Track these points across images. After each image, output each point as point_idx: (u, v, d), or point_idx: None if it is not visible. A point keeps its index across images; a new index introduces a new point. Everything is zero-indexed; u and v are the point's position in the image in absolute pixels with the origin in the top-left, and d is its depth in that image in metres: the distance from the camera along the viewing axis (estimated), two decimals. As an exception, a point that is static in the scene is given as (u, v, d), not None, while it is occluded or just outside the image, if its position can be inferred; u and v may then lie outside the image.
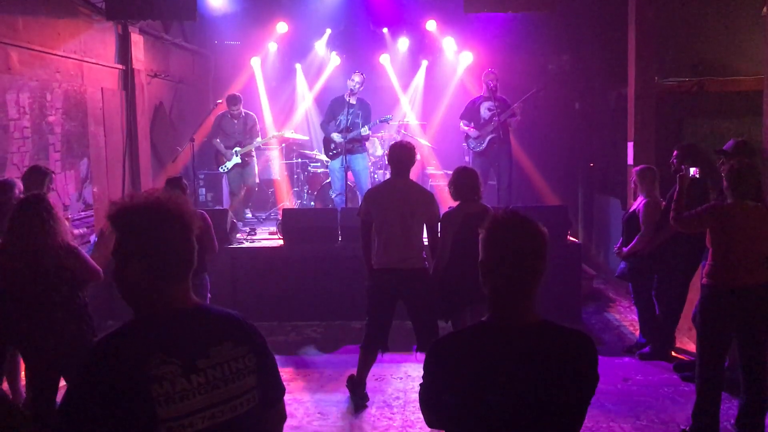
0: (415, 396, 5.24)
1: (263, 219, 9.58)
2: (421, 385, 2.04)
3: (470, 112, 8.68)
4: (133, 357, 1.69)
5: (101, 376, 1.67)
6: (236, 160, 9.05)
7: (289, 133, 10.03)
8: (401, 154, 5.04)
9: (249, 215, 9.52)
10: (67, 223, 5.32)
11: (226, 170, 9.16)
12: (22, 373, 5.03)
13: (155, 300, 1.79)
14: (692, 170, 4.75)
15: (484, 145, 8.51)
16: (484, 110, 8.58)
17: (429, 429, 4.31)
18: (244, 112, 9.20)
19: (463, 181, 5.03)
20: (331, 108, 8.70)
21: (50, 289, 3.99)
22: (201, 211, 5.26)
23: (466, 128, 8.61)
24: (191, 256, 1.84)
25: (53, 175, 5.60)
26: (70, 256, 4.05)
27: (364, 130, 8.50)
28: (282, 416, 2.02)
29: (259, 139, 9.35)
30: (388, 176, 5.74)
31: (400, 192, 4.98)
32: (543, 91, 8.71)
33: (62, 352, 3.97)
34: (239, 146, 9.04)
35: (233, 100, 9.02)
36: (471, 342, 1.96)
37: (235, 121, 9.05)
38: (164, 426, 1.67)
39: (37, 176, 5.33)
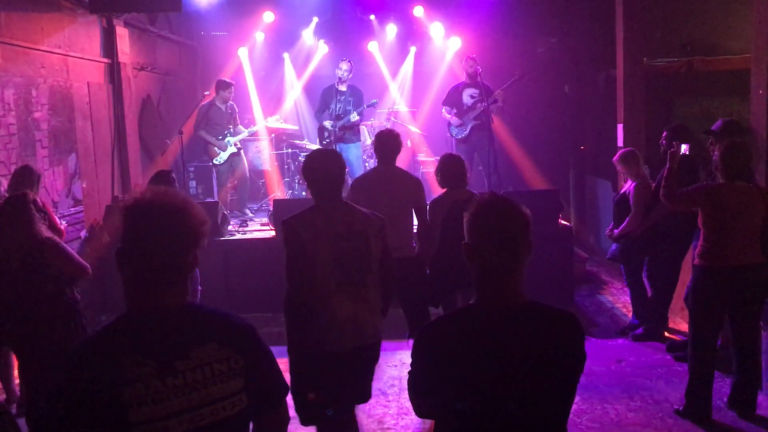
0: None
1: (255, 210, 9.55)
2: (409, 372, 2.04)
3: (452, 99, 8.69)
4: (105, 359, 1.65)
5: (73, 381, 1.64)
6: (232, 149, 8.82)
7: (274, 122, 9.90)
8: (387, 142, 5.03)
9: (250, 214, 9.03)
10: (61, 222, 5.32)
11: (221, 161, 8.80)
12: (16, 372, 5.04)
13: (143, 299, 1.75)
14: (683, 147, 4.75)
15: (466, 132, 8.53)
16: (467, 97, 8.59)
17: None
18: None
19: (449, 169, 5.05)
20: (323, 97, 8.72)
21: (35, 286, 3.98)
22: None
23: (448, 116, 8.64)
24: (188, 265, 1.78)
25: (42, 173, 5.58)
26: (54, 252, 4.04)
27: (353, 116, 8.49)
28: (284, 419, 1.95)
29: (251, 128, 9.26)
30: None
31: (387, 179, 4.97)
32: (525, 77, 8.69)
33: (51, 350, 3.96)
34: (230, 135, 8.82)
35: (226, 85, 8.78)
36: (458, 325, 1.97)
37: (223, 108, 8.83)
38: (137, 429, 1.62)
39: (30, 177, 5.29)
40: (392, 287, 3.66)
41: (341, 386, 3.40)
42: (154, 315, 1.74)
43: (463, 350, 1.87)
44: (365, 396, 3.63)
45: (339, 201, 3.44)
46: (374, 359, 3.53)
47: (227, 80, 8.93)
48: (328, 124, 8.55)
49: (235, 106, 9.13)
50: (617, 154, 6.16)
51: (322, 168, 3.42)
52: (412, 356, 2.00)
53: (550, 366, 1.87)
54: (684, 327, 5.89)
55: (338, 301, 3.29)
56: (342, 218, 3.36)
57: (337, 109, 8.49)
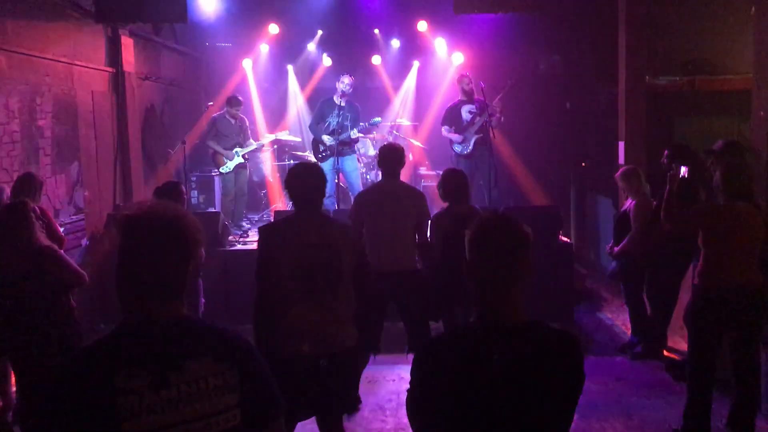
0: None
1: (256, 221, 9.56)
2: (408, 390, 2.04)
3: (451, 117, 8.74)
4: (100, 370, 1.67)
5: (68, 391, 1.66)
6: (238, 160, 8.92)
7: (284, 135, 9.98)
8: (391, 156, 5.05)
9: (246, 225, 8.98)
10: (60, 228, 5.33)
11: (228, 170, 8.90)
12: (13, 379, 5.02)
13: (139, 310, 1.77)
14: (682, 169, 4.76)
15: (470, 147, 8.57)
16: (465, 113, 8.65)
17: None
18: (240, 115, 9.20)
19: (451, 183, 5.08)
20: (320, 109, 8.73)
21: (31, 294, 3.98)
22: None
23: (449, 135, 8.68)
24: (182, 279, 1.80)
25: (45, 181, 5.61)
26: (51, 261, 4.05)
27: (354, 133, 8.53)
28: None
29: (261, 141, 9.40)
30: (380, 177, 5.73)
31: (391, 194, 4.98)
32: (518, 83, 8.74)
33: (46, 358, 3.96)
34: (238, 147, 8.95)
35: (236, 102, 8.93)
36: (458, 344, 1.97)
37: (233, 122, 8.97)
38: None
39: (32, 184, 5.31)
40: (369, 300, 3.70)
41: (300, 392, 3.40)
42: (150, 327, 1.75)
43: (463, 369, 1.87)
44: (346, 406, 3.63)
45: (316, 212, 3.55)
46: (343, 369, 3.53)
47: (238, 98, 9.05)
48: (327, 139, 8.57)
49: (245, 119, 9.24)
50: (619, 171, 6.17)
51: (301, 181, 3.54)
52: (411, 374, 2.00)
53: (549, 386, 1.87)
54: (683, 346, 5.87)
55: (300, 308, 3.39)
56: (314, 229, 3.45)
57: (334, 123, 8.52)
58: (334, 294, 3.42)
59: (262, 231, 3.59)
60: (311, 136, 9.01)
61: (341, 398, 3.60)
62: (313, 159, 9.40)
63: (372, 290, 3.74)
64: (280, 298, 3.41)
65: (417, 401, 2.00)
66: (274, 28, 10.65)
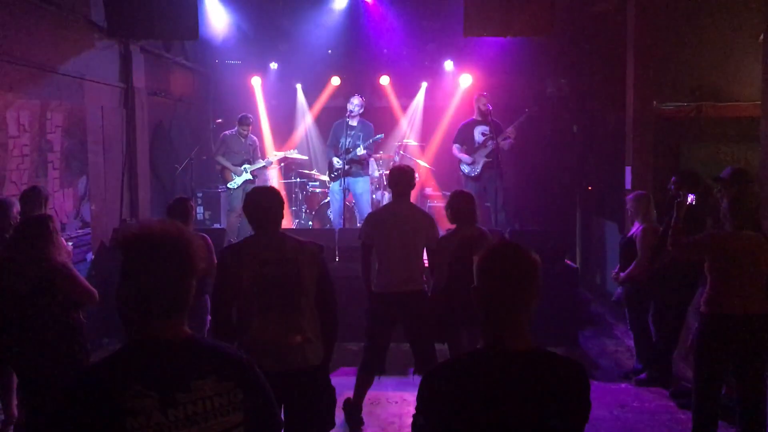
0: (411, 420, 5.20)
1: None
2: (414, 415, 2.03)
3: (463, 136, 8.75)
4: (108, 389, 1.68)
5: (76, 409, 1.67)
6: (247, 176, 9.13)
7: (292, 154, 10.06)
8: (401, 178, 5.07)
9: None
10: (67, 244, 5.34)
11: (236, 186, 9.11)
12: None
13: (143, 329, 1.79)
14: (690, 197, 4.77)
15: (479, 170, 8.58)
16: (478, 134, 8.66)
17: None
18: (251, 135, 9.38)
19: (459, 205, 5.08)
20: (334, 132, 8.85)
21: (42, 308, 3.99)
22: (202, 235, 5.23)
23: (459, 154, 8.69)
24: (185, 297, 1.82)
25: (52, 195, 5.63)
26: (65, 279, 4.05)
27: (359, 150, 8.56)
28: None
29: (269, 159, 9.60)
30: (386, 196, 5.75)
31: (401, 216, 5.00)
32: (536, 113, 8.77)
33: (53, 372, 3.96)
34: (248, 164, 9.15)
35: (246, 121, 9.17)
36: (464, 371, 1.96)
37: (243, 140, 9.19)
38: None
39: (38, 198, 5.34)
40: (333, 315, 3.69)
41: None
42: (155, 346, 1.77)
43: (469, 397, 1.87)
44: (323, 426, 3.62)
45: (274, 232, 3.62)
46: (308, 386, 3.51)
47: (248, 117, 9.28)
48: (336, 161, 8.65)
49: (256, 140, 9.49)
50: (633, 193, 6.20)
51: (257, 203, 3.63)
52: (418, 400, 2.00)
53: (555, 414, 1.87)
54: (688, 373, 5.83)
55: (259, 323, 3.45)
56: (273, 246, 3.53)
57: (347, 143, 8.58)
58: (297, 310, 3.49)
59: (221, 251, 3.69)
60: (324, 155, 9.17)
61: (314, 417, 3.56)
62: (324, 177, 9.49)
63: (335, 305, 3.72)
64: (240, 315, 3.49)
65: (423, 427, 1.99)
66: (283, 47, 10.74)
